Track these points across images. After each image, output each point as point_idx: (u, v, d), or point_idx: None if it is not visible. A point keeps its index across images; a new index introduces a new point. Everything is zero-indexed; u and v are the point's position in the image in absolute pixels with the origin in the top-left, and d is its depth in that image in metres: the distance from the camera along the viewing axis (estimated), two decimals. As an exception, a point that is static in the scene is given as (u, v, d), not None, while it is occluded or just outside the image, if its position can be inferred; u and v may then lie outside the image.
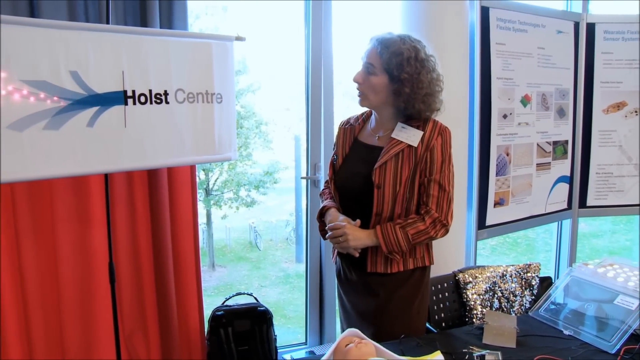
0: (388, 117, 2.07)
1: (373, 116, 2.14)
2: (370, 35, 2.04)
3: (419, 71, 1.94)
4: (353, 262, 2.11)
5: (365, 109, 2.19)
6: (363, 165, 2.03)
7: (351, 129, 2.18)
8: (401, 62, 1.93)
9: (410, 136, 1.98)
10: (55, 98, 2.10)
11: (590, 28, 3.59)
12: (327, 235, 2.08)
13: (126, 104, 2.28)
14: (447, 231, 2.02)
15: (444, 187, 1.98)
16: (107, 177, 2.52)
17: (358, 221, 2.02)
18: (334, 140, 2.25)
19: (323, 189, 2.35)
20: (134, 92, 2.29)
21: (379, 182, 1.97)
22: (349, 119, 2.24)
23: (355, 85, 2.05)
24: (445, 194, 1.99)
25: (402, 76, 1.93)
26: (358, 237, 1.98)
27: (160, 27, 2.69)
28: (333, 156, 2.20)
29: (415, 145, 1.97)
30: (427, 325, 2.53)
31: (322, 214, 2.20)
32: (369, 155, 2.04)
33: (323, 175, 3.37)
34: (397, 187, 1.97)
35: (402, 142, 1.98)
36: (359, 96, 2.05)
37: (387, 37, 1.98)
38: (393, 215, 2.01)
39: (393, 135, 2.01)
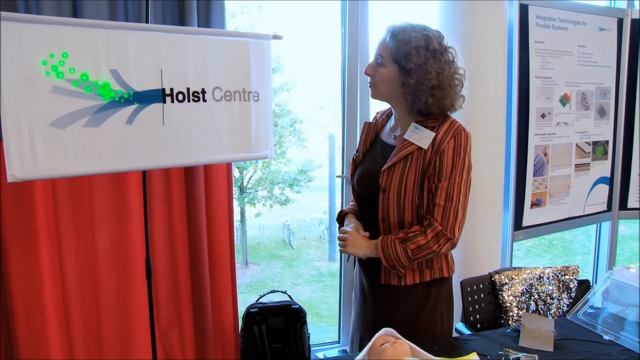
0: (403, 113, 1.93)
1: (393, 113, 2.02)
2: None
3: (427, 61, 1.78)
4: (368, 270, 2.03)
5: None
6: (375, 165, 1.92)
7: (375, 124, 2.07)
8: (409, 51, 1.78)
9: (422, 138, 1.84)
10: (95, 96, 2.14)
11: (635, 24, 3.50)
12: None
13: (164, 102, 2.31)
14: (454, 245, 1.84)
15: (451, 196, 1.80)
16: (144, 174, 2.56)
17: (367, 233, 1.93)
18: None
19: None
20: (172, 90, 2.32)
21: (385, 185, 1.85)
22: (377, 113, 2.14)
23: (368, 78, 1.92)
24: (452, 204, 1.80)
25: (408, 66, 1.79)
26: (358, 244, 1.90)
27: (198, 26, 2.72)
28: (355, 152, 2.09)
29: (426, 147, 1.82)
30: (463, 326, 2.51)
31: (341, 217, 2.13)
32: (384, 154, 1.94)
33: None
34: (402, 191, 1.83)
35: (413, 143, 1.84)
36: (369, 87, 1.94)
37: (397, 26, 1.85)
38: (403, 222, 1.87)
39: (405, 136, 1.87)
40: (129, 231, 2.71)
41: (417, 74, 1.79)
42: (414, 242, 1.80)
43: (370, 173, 1.94)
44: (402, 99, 1.88)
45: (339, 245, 1.96)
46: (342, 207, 3.47)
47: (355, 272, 2.17)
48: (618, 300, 2.20)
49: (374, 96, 1.95)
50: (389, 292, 1.94)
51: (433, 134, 1.83)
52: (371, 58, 1.95)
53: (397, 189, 1.83)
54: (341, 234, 1.96)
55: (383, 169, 1.86)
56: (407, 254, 1.81)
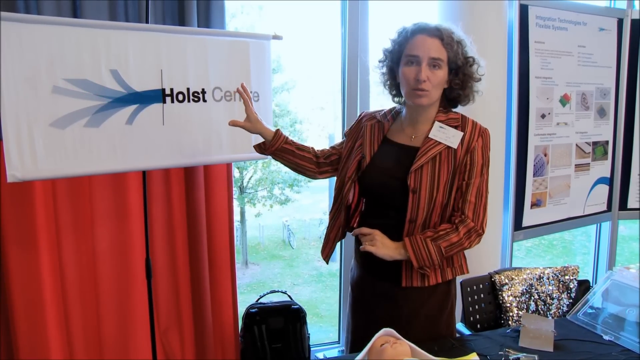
0: (429, 114, 1.88)
1: (404, 114, 1.94)
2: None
3: (474, 57, 1.86)
4: (381, 274, 1.95)
5: (391, 105, 2.03)
6: (397, 167, 1.86)
7: (379, 125, 1.97)
8: (461, 50, 1.83)
9: (450, 137, 1.83)
10: (96, 96, 2.14)
11: (635, 24, 3.50)
12: (354, 231, 1.93)
13: (164, 102, 2.31)
14: (480, 240, 1.86)
15: (481, 193, 1.84)
16: (144, 174, 2.56)
17: None
18: (351, 132, 2.06)
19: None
20: (172, 90, 2.32)
21: (414, 186, 1.80)
22: (374, 114, 2.02)
23: (414, 84, 1.79)
24: (482, 200, 1.84)
25: (459, 62, 1.82)
26: (387, 245, 1.82)
27: (198, 26, 2.71)
28: (360, 155, 1.95)
29: (455, 146, 1.82)
30: (463, 326, 2.51)
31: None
32: (404, 156, 1.87)
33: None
34: (434, 192, 1.80)
35: (440, 143, 1.83)
36: (423, 95, 1.80)
37: (444, 27, 1.80)
38: (429, 223, 1.84)
39: (431, 136, 1.84)
40: (129, 231, 2.70)
41: (465, 69, 1.84)
42: (446, 239, 1.80)
43: (391, 176, 1.87)
44: (439, 98, 1.89)
45: (366, 243, 1.83)
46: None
47: (354, 278, 2.10)
48: (618, 301, 2.20)
49: (426, 102, 1.83)
50: (410, 294, 1.91)
51: (461, 133, 1.84)
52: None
53: (429, 189, 1.81)
54: (369, 233, 1.85)
55: (411, 170, 1.82)
56: (440, 252, 1.79)
